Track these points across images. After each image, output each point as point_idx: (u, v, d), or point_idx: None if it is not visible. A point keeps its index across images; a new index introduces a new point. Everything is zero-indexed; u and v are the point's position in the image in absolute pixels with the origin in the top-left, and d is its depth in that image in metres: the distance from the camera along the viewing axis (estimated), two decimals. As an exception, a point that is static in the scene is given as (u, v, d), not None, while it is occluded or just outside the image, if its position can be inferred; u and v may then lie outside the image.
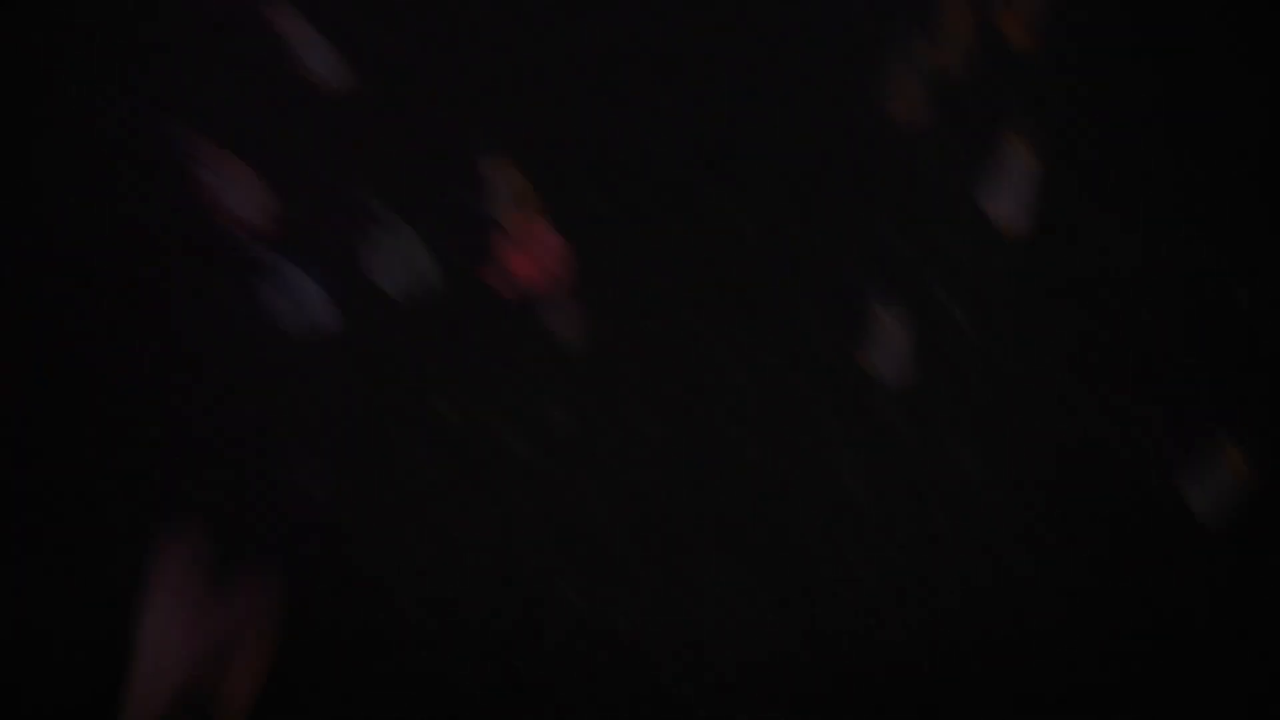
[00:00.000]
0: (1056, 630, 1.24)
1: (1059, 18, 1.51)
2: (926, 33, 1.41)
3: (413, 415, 1.36)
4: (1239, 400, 1.33)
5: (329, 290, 1.39)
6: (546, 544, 1.32)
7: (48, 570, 1.26)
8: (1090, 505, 1.28)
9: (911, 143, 1.49)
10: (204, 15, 1.65)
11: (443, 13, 1.63)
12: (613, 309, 1.42)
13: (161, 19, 1.65)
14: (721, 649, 1.26)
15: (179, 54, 1.63)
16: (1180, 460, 1.28)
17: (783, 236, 1.45)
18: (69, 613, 1.23)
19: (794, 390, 1.37)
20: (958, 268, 1.41)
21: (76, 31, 1.66)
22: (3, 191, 1.54)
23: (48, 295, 1.46)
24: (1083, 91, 1.51)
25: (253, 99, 1.59)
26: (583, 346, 1.41)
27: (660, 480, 1.34)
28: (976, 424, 1.33)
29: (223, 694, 0.93)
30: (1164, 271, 1.39)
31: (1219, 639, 1.22)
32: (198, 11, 1.66)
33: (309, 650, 1.29)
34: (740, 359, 1.39)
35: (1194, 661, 1.21)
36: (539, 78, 1.58)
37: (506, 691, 1.26)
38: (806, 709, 1.23)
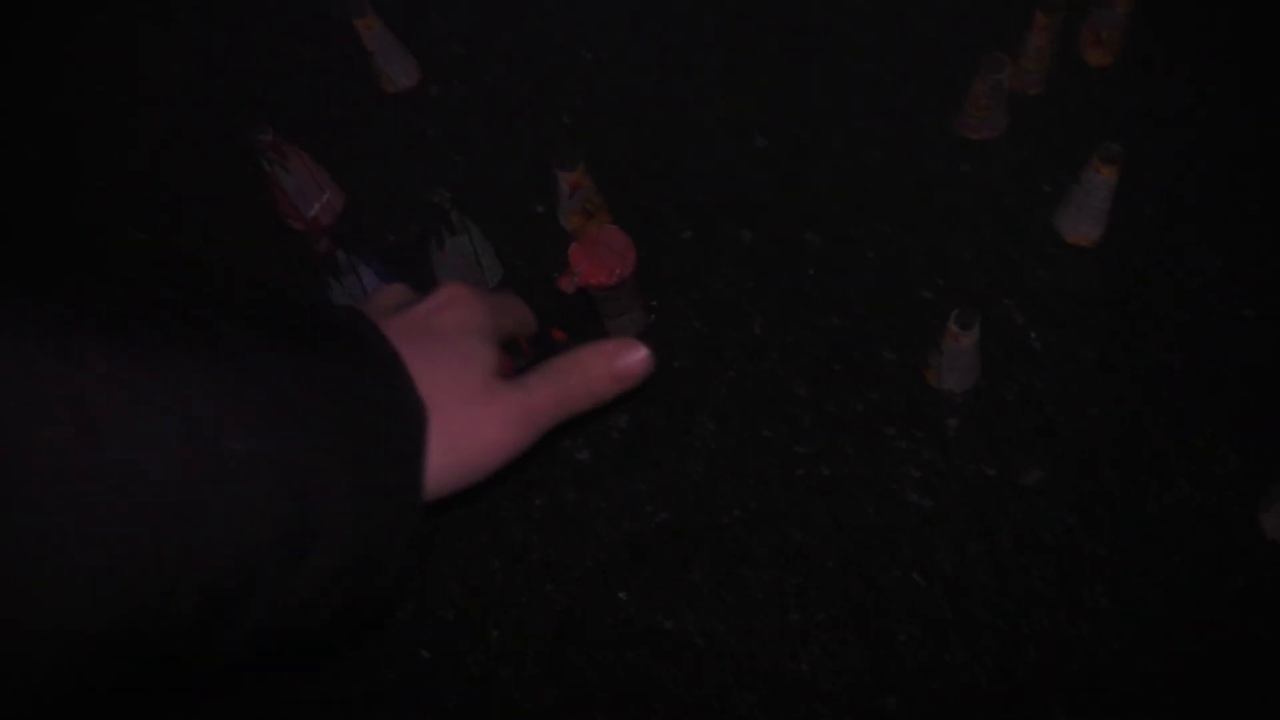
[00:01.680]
0: (1127, 651, 1.19)
1: (1137, 37, 1.50)
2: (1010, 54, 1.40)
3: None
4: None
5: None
6: (600, 547, 1.30)
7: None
8: (1159, 527, 1.24)
9: (986, 159, 1.48)
10: (290, 24, 1.70)
11: (520, 23, 1.66)
12: (676, 315, 1.42)
13: (246, 27, 1.70)
14: (777, 658, 1.23)
15: (263, 59, 1.67)
16: (1259, 487, 1.24)
17: (850, 247, 1.44)
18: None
19: (859, 404, 1.35)
20: (1031, 283, 1.39)
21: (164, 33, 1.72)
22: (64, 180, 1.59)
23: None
24: (1162, 107, 1.49)
25: (328, 102, 1.63)
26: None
27: (718, 490, 1.32)
28: (1044, 441, 1.30)
29: None
30: (1246, 290, 1.35)
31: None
32: (284, 20, 1.71)
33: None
34: (804, 371, 1.37)
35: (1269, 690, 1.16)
36: (612, 86, 1.60)
37: (550, 690, 1.24)
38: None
